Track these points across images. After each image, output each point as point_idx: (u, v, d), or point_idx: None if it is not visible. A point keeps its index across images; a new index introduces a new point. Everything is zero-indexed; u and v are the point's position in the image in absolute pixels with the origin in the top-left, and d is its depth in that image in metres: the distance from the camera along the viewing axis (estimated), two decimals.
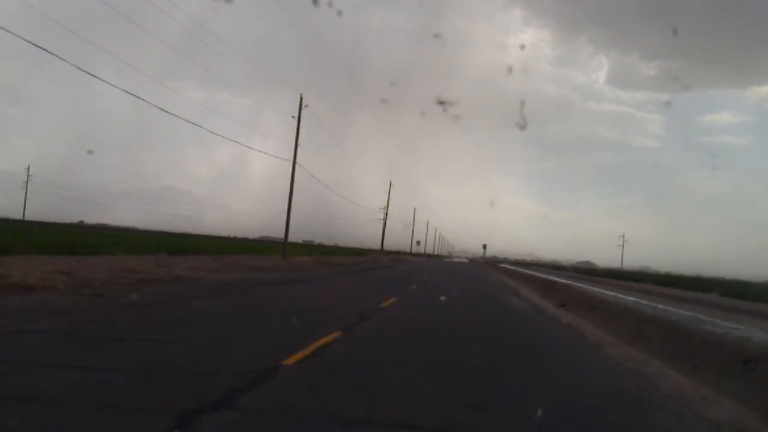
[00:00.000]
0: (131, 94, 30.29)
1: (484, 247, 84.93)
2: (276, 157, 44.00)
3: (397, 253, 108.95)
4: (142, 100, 27.02)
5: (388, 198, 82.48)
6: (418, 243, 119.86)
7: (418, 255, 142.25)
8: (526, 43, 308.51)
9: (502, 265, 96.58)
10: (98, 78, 23.28)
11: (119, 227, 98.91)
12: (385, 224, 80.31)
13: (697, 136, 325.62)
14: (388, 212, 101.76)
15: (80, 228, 69.71)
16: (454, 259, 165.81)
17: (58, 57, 20.34)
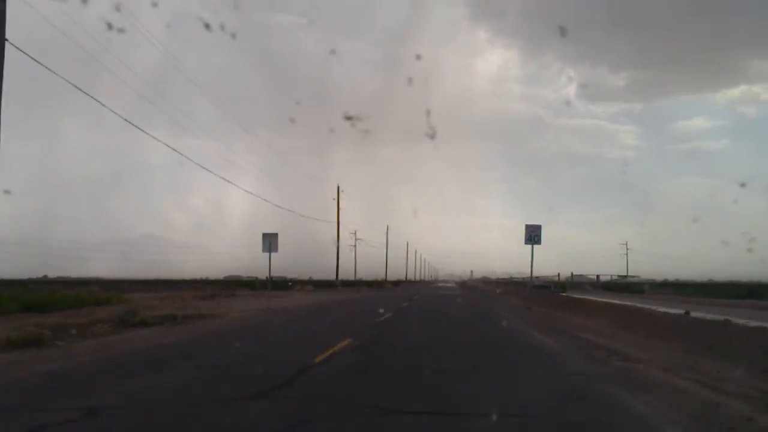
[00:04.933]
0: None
1: (534, 238, 31.85)
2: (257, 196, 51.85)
3: (291, 283, 56.61)
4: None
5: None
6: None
7: (355, 285, 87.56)
8: (493, 64, 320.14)
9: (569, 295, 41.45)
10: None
11: (79, 279, 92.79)
12: None
13: (672, 143, 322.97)
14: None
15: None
16: (439, 284, 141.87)
17: None
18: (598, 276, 61.36)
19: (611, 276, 67.28)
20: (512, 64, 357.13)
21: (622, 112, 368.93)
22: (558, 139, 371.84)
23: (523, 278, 72.34)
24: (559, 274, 58.54)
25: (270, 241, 32.33)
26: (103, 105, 23.74)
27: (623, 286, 63.89)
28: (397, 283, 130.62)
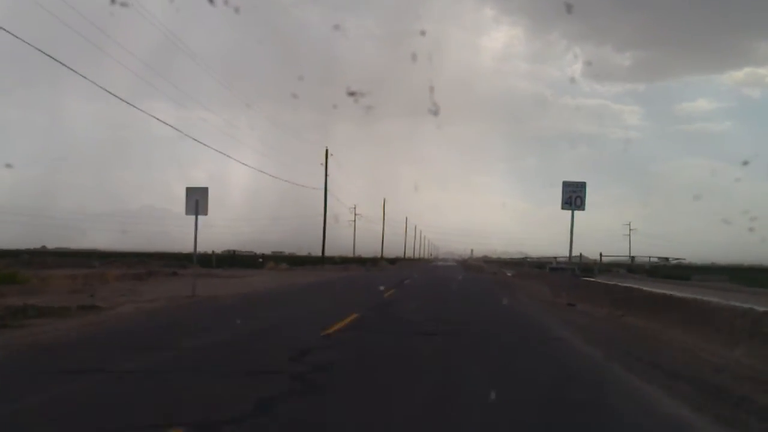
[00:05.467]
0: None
1: (575, 201, 24.11)
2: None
3: (262, 260, 46.82)
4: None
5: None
6: None
7: (346, 261, 77.39)
8: (498, 41, 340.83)
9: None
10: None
11: (77, 250, 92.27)
12: None
13: (676, 124, 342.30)
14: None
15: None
16: (439, 263, 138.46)
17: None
18: (632, 257, 48.69)
19: (649, 258, 54.92)
20: (517, 42, 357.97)
21: (627, 92, 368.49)
22: (562, 117, 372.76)
23: (539, 257, 60.67)
24: (581, 255, 48.31)
25: (196, 200, 22.24)
26: (95, 83, 23.96)
27: (667, 270, 50.46)
28: (394, 261, 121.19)
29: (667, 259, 52.45)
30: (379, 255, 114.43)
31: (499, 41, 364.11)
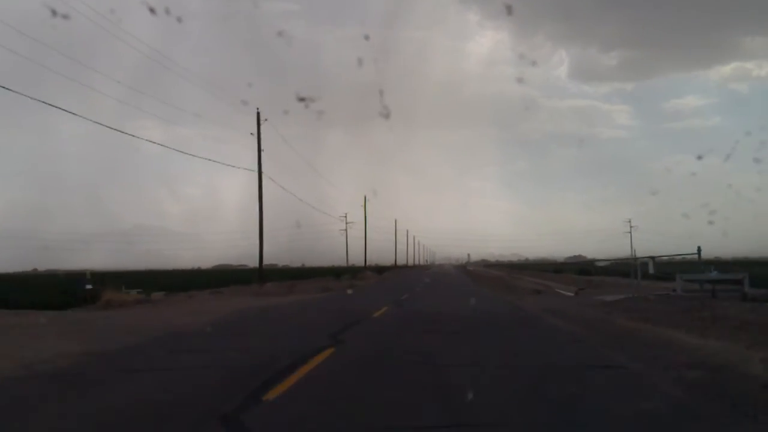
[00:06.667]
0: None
1: None
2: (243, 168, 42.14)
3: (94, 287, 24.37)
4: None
5: None
6: None
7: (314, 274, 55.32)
8: (484, 46, 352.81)
9: None
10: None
11: (69, 271, 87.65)
12: None
13: (665, 122, 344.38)
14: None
15: None
16: (435, 270, 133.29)
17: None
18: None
19: None
20: (503, 46, 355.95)
21: (615, 91, 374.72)
22: (551, 119, 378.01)
23: (629, 257, 33.98)
24: (699, 249, 25.71)
25: None
26: (60, 108, 24.98)
27: None
28: (381, 270, 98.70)
29: None
30: (380, 263, 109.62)
31: (484, 46, 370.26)
